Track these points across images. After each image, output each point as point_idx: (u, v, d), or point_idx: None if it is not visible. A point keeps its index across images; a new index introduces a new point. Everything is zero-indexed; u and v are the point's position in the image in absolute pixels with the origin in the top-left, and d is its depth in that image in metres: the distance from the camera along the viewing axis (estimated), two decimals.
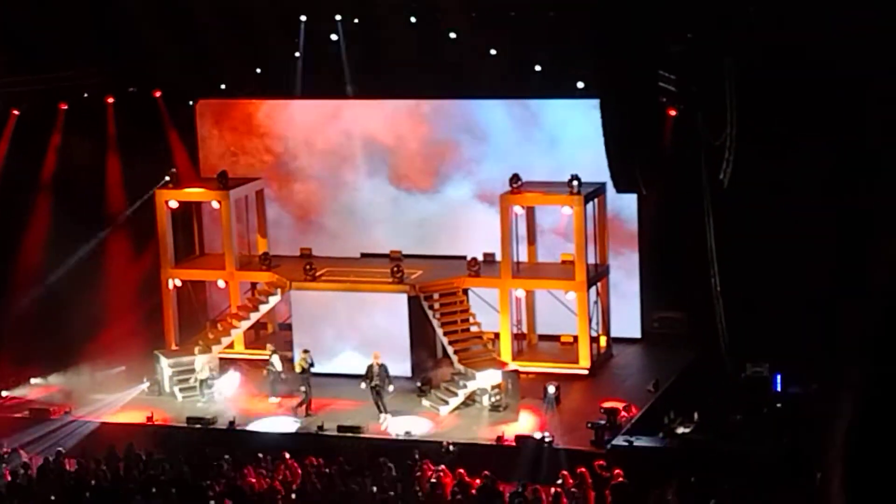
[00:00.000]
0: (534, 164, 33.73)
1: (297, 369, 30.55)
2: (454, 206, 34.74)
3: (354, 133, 35.51)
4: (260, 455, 26.93)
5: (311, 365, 30.52)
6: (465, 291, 32.70)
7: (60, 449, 28.45)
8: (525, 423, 29.02)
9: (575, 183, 31.53)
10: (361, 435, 28.69)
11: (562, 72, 32.56)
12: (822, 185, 28.58)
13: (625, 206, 33.52)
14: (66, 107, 33.95)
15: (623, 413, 28.43)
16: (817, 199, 28.79)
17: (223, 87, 35.56)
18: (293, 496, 25.70)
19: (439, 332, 31.92)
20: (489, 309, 32.58)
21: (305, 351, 30.69)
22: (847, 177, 28.23)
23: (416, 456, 26.61)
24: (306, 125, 35.96)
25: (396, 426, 29.04)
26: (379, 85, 34.48)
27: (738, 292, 30.43)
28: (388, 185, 35.35)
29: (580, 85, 32.56)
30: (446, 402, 30.22)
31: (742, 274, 30.36)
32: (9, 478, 27.17)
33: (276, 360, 31.48)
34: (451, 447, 27.27)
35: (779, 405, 28.56)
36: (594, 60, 27.85)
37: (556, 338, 33.73)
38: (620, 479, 24.89)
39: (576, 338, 32.41)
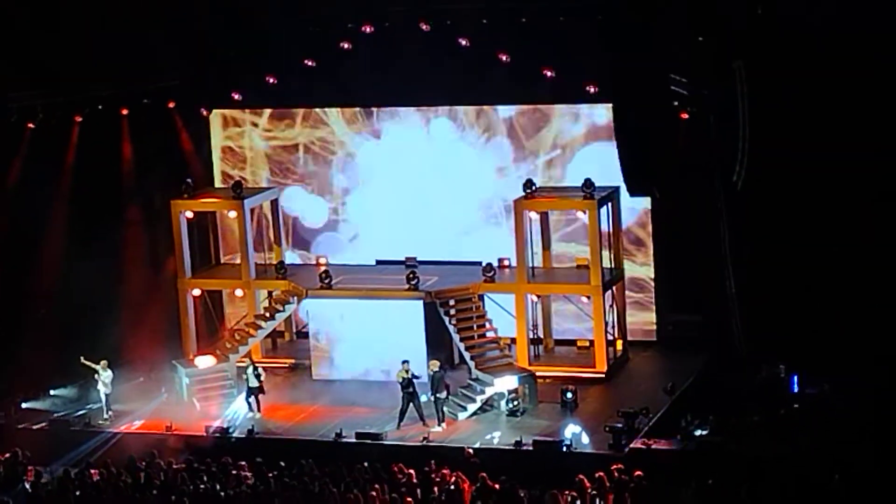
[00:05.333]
0: (545, 169, 34.00)
1: (398, 379, 29.87)
2: (469, 212, 34.90)
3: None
4: (282, 463, 26.99)
5: (413, 377, 29.64)
6: (481, 297, 32.79)
7: (81, 459, 28.56)
8: None
9: (588, 188, 31.65)
10: (380, 442, 28.80)
11: (573, 77, 32.58)
12: (837, 184, 28.62)
13: (639, 209, 33.61)
14: (80, 119, 34.06)
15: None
16: (831, 200, 28.82)
17: (237, 97, 35.63)
18: None
19: (455, 338, 32.03)
20: (505, 314, 32.71)
21: (405, 362, 29.94)
22: (863, 177, 28.28)
23: (433, 462, 26.66)
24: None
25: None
26: (391, 92, 34.57)
27: (753, 294, 30.44)
28: (405, 189, 35.49)
29: (592, 90, 32.57)
30: (464, 409, 30.33)
31: (757, 275, 30.36)
32: (30, 489, 27.32)
33: (250, 371, 31.19)
34: (472, 453, 27.34)
35: (796, 406, 28.58)
36: (608, 65, 27.92)
37: (572, 342, 33.85)
38: (642, 481, 24.89)
39: (592, 342, 32.50)
